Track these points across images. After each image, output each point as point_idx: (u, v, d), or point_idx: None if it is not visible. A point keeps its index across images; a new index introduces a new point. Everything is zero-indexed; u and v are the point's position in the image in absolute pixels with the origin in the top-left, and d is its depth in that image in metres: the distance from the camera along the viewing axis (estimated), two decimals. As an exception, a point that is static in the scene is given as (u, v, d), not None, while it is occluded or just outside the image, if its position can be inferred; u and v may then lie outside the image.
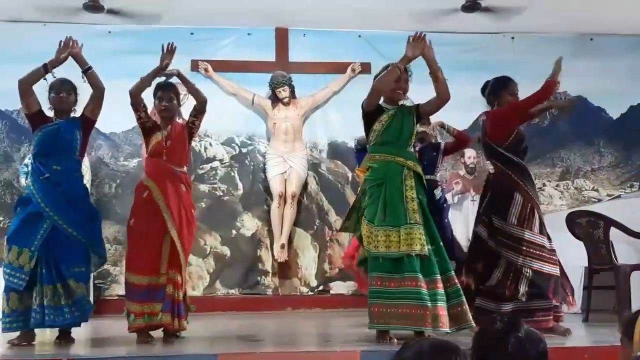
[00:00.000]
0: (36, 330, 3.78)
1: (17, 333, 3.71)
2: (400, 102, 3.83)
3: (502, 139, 3.94)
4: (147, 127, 3.96)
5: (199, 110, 4.06)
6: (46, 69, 3.80)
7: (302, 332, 4.39)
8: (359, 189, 3.88)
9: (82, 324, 3.85)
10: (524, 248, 3.71)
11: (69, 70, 4.02)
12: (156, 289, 3.72)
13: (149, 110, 4.08)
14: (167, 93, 3.96)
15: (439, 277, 3.45)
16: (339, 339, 4.13)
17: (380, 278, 3.45)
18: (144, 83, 3.95)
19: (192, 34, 6.38)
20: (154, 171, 3.90)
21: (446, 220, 4.88)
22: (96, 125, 6.09)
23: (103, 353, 3.49)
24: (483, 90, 4.18)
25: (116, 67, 6.13)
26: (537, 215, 3.80)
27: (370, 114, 3.69)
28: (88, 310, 3.83)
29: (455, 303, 3.47)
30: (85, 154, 5.94)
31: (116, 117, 6.14)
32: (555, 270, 3.75)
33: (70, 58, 3.89)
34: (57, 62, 3.84)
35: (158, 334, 3.79)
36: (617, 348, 3.34)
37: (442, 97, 3.66)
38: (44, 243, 3.66)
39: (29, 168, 4.14)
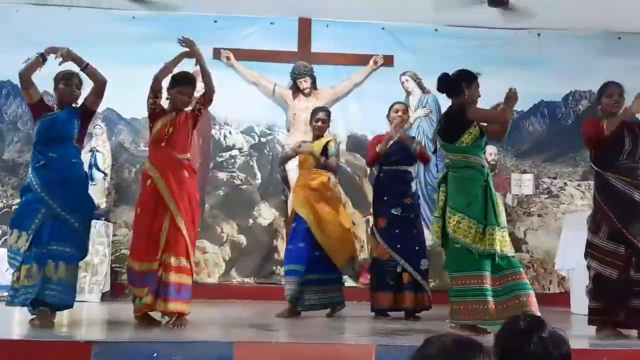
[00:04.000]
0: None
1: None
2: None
3: None
4: (155, 113, 3.99)
5: (207, 100, 4.08)
6: (44, 57, 3.84)
7: (316, 323, 4.39)
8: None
9: (96, 306, 3.90)
10: None
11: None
12: (149, 274, 3.77)
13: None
14: (188, 89, 3.97)
15: None
16: (353, 331, 4.12)
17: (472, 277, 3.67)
18: (168, 69, 3.97)
19: (215, 21, 6.39)
20: (156, 159, 3.92)
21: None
22: (117, 111, 6.32)
23: (119, 337, 3.52)
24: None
25: (139, 52, 6.18)
26: None
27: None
28: (71, 295, 3.82)
29: None
30: (107, 139, 6.03)
31: (137, 103, 6.16)
32: None
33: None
34: (53, 50, 3.90)
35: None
36: (637, 351, 3.30)
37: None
38: (41, 224, 3.73)
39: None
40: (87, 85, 3.99)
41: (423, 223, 6.29)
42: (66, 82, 3.88)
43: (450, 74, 3.89)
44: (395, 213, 4.70)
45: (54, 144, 3.82)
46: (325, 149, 4.85)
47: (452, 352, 1.27)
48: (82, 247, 3.89)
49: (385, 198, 4.74)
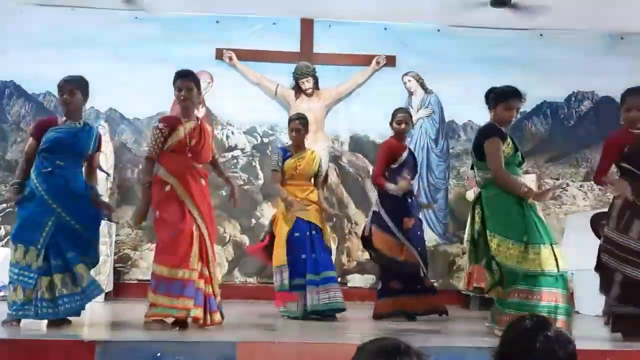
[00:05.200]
0: None
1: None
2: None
3: None
4: (171, 129, 3.85)
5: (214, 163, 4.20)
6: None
7: (319, 324, 4.38)
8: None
9: (100, 306, 3.89)
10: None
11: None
12: (187, 283, 3.67)
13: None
14: (185, 82, 3.86)
15: None
16: (356, 331, 4.12)
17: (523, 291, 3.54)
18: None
19: (217, 22, 6.40)
20: (175, 167, 3.80)
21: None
22: (120, 111, 6.34)
23: (123, 336, 3.52)
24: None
25: (142, 53, 6.21)
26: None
27: None
28: (95, 295, 3.84)
29: None
30: (109, 139, 6.03)
31: (140, 103, 6.23)
32: None
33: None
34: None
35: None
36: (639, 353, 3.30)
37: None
38: (51, 236, 3.65)
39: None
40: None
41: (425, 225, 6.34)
42: (60, 92, 3.81)
43: (495, 88, 3.82)
44: (415, 214, 4.74)
45: (64, 156, 3.75)
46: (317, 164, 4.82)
47: None
48: (95, 255, 3.87)
49: (410, 200, 4.73)
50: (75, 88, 3.79)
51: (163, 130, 3.82)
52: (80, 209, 3.75)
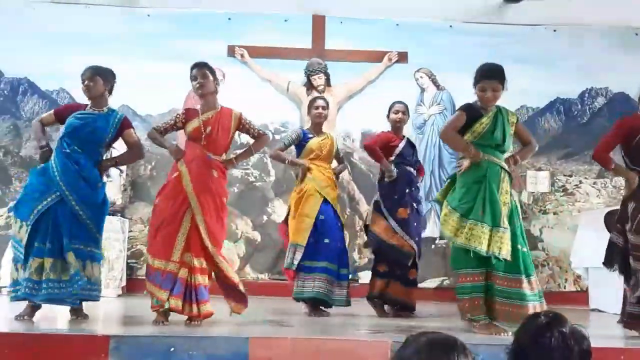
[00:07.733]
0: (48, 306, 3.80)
1: (23, 304, 3.70)
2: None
3: None
4: (185, 126, 3.93)
5: (258, 143, 4.18)
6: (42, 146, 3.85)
7: (331, 319, 4.39)
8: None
9: (113, 301, 3.88)
10: None
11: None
12: (164, 275, 3.67)
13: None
14: (200, 70, 3.90)
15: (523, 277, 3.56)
16: (368, 328, 4.12)
17: (468, 274, 3.57)
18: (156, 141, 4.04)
19: (229, 19, 6.42)
20: (188, 155, 3.86)
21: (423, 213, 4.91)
22: (132, 107, 6.37)
23: (136, 331, 3.53)
24: None
25: (154, 49, 6.24)
26: None
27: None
28: (92, 290, 3.74)
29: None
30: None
31: (152, 100, 6.26)
32: None
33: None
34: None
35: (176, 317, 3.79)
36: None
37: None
38: (53, 217, 3.63)
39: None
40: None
41: (435, 220, 6.31)
42: (82, 79, 3.87)
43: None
44: (415, 206, 4.70)
45: (82, 142, 3.78)
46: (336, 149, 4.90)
47: (427, 351, 1.30)
48: (95, 248, 3.78)
49: (407, 190, 4.71)
50: (96, 75, 3.84)
51: (178, 117, 3.96)
52: (88, 197, 3.73)
